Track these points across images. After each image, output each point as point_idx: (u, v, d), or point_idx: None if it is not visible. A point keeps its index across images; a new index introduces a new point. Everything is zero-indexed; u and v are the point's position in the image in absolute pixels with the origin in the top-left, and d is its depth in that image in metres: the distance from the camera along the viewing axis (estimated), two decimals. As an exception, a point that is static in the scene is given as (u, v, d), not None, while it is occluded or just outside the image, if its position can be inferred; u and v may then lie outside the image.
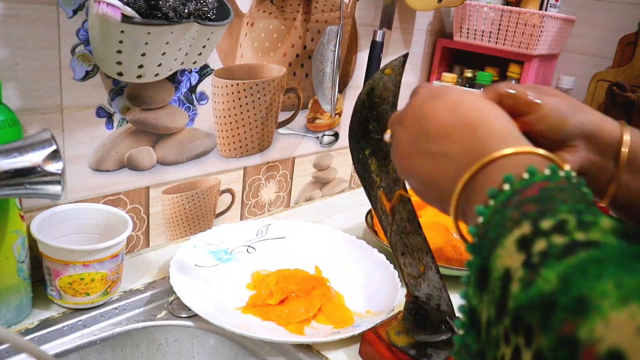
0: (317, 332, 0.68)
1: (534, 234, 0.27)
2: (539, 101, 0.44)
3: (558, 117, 0.44)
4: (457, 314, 0.33)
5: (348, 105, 1.09)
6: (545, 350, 0.24)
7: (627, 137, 0.44)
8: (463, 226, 0.36)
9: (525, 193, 0.30)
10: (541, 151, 0.33)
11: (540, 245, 0.26)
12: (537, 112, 0.44)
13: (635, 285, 0.22)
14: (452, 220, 0.36)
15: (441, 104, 0.39)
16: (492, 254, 0.29)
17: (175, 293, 0.67)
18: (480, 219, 0.31)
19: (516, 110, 0.44)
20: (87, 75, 0.67)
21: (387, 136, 0.45)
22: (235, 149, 0.90)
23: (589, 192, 0.31)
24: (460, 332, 0.31)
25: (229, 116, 0.87)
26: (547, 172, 0.31)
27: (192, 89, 0.80)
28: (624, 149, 0.43)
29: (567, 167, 0.32)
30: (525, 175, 0.31)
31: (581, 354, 0.22)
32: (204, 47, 0.68)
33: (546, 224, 0.27)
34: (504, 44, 1.17)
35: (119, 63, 0.62)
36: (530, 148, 0.33)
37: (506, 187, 0.31)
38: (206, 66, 0.81)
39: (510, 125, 0.37)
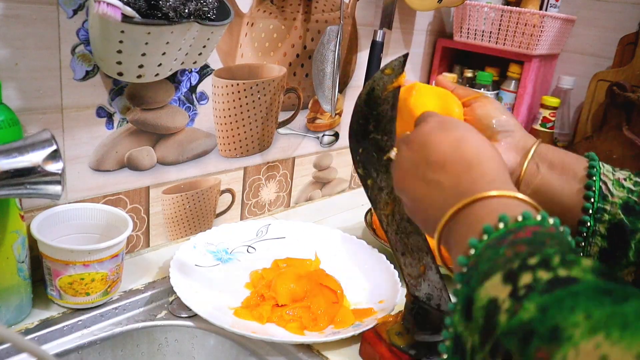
0: (317, 332, 0.67)
1: (521, 268, 0.30)
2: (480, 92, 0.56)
3: (492, 108, 0.56)
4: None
5: (348, 105, 1.09)
6: None
7: (536, 147, 0.54)
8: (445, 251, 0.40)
9: (519, 234, 0.33)
10: (523, 196, 0.37)
11: (526, 279, 0.29)
12: (480, 100, 0.57)
13: (602, 317, 0.25)
14: (436, 246, 0.40)
15: (446, 136, 0.42)
16: (479, 285, 0.31)
17: (175, 293, 0.67)
18: (472, 251, 0.34)
19: (465, 97, 0.57)
20: (87, 75, 0.67)
21: (392, 153, 0.50)
22: (235, 149, 0.90)
23: (572, 240, 0.35)
24: (445, 356, 0.34)
25: (229, 116, 0.87)
26: (538, 217, 0.34)
27: (192, 89, 0.80)
28: (529, 157, 0.54)
29: (545, 215, 0.36)
30: (520, 218, 0.34)
31: None
32: (204, 47, 0.68)
33: (533, 260, 0.30)
34: (504, 44, 1.17)
35: (119, 63, 0.62)
36: (513, 193, 0.37)
37: (501, 225, 0.34)
38: (206, 66, 0.81)
39: (501, 168, 0.41)
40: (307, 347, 0.65)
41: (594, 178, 0.51)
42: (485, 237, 0.34)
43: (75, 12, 0.63)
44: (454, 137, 0.42)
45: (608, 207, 0.50)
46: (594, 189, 0.51)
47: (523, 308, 0.28)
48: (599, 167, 0.52)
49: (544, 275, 0.29)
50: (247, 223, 0.89)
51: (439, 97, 0.58)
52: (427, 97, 0.57)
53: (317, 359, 0.64)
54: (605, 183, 0.51)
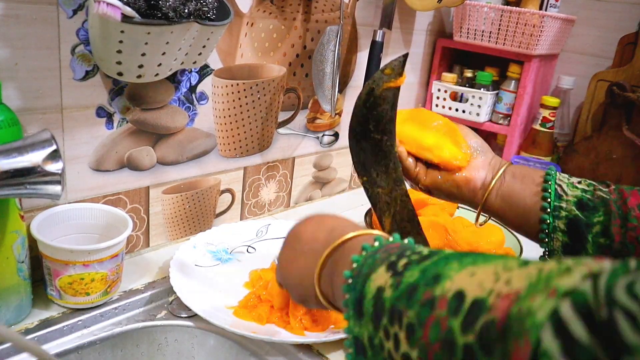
0: (317, 332, 0.67)
1: (398, 257, 0.37)
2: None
3: (466, 132, 0.67)
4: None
5: (348, 105, 1.09)
6: (412, 319, 0.32)
7: (504, 163, 0.64)
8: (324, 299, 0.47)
9: (389, 246, 0.40)
10: (376, 232, 0.45)
11: (403, 261, 0.36)
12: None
13: (470, 260, 0.32)
14: (319, 295, 0.46)
15: (310, 221, 0.52)
16: (366, 282, 0.37)
17: (175, 293, 0.67)
18: (355, 265, 0.40)
19: None
20: (87, 75, 0.67)
21: (275, 261, 0.58)
22: (235, 149, 0.90)
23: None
24: None
25: (229, 116, 0.87)
26: (391, 239, 0.42)
27: (192, 88, 0.80)
28: (500, 171, 0.63)
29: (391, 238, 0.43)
30: (376, 244, 0.42)
31: (436, 304, 0.31)
32: (204, 47, 0.68)
33: (407, 252, 0.38)
34: (504, 44, 1.17)
35: (119, 63, 0.62)
36: (367, 231, 0.45)
37: (364, 253, 0.41)
38: (206, 66, 0.81)
39: (356, 225, 0.49)
40: (307, 347, 0.65)
41: (550, 182, 0.58)
42: (363, 252, 0.41)
43: (75, 12, 0.63)
44: (315, 219, 0.52)
45: (564, 205, 0.57)
46: (549, 190, 0.57)
47: (405, 277, 0.34)
48: (555, 174, 0.59)
49: (416, 256, 0.36)
50: (247, 223, 0.89)
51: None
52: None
53: (317, 359, 0.64)
54: (560, 185, 0.58)
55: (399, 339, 0.32)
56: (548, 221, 0.57)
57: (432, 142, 0.63)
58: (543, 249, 0.59)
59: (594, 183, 0.57)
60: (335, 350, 0.65)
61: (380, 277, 0.36)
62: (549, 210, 0.57)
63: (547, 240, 0.58)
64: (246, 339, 0.66)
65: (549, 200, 0.57)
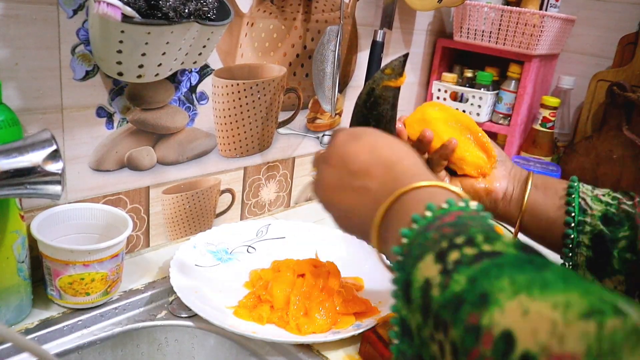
0: (317, 332, 0.67)
1: (449, 248, 0.32)
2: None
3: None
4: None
5: (348, 105, 1.09)
6: (456, 340, 0.28)
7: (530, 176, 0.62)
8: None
9: (444, 219, 0.35)
10: (445, 184, 0.40)
11: (454, 255, 0.32)
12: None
13: (524, 281, 0.28)
14: (374, 245, 0.42)
15: (360, 145, 0.46)
16: (414, 268, 0.34)
17: (175, 293, 0.67)
18: (405, 240, 0.36)
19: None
20: (87, 75, 0.67)
21: (312, 173, 0.53)
22: (235, 148, 0.90)
23: (493, 222, 0.37)
24: (396, 341, 0.35)
25: (229, 116, 0.87)
26: (461, 204, 0.37)
27: (192, 88, 0.80)
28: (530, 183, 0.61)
29: (468, 198, 0.39)
30: (445, 205, 0.37)
31: (482, 338, 0.27)
32: (204, 47, 0.68)
33: (459, 239, 0.33)
34: (504, 44, 1.17)
35: (119, 63, 0.62)
36: (437, 182, 0.40)
37: (428, 213, 0.37)
38: (206, 66, 0.81)
39: (418, 163, 0.44)
40: (307, 347, 0.65)
41: (574, 195, 0.56)
42: (414, 225, 0.37)
43: (75, 12, 0.63)
44: (367, 143, 0.46)
45: (588, 219, 0.55)
46: (573, 204, 0.56)
47: (453, 280, 0.30)
48: (578, 186, 0.57)
49: (470, 251, 0.31)
50: (247, 223, 0.89)
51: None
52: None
53: (317, 359, 0.64)
54: (584, 199, 0.56)
55: (445, 350, 0.30)
56: (572, 236, 0.56)
57: (460, 148, 0.61)
58: (566, 263, 0.57)
59: (618, 196, 0.56)
60: (335, 350, 0.65)
61: (428, 268, 0.33)
62: (573, 224, 0.55)
63: (570, 255, 0.56)
64: (246, 339, 0.66)
65: (573, 214, 0.56)
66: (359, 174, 0.44)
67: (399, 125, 0.61)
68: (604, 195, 0.56)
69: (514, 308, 0.26)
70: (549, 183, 0.60)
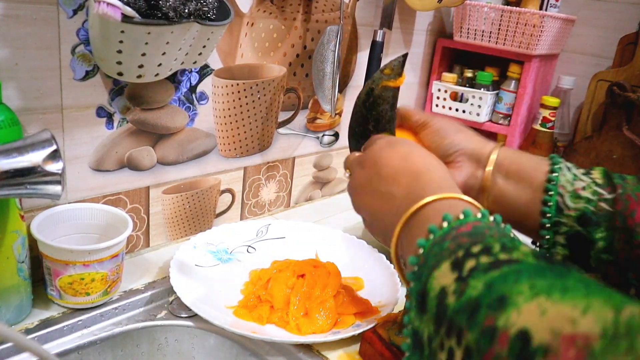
0: (317, 332, 0.67)
1: (465, 256, 0.32)
2: (427, 120, 0.57)
3: (440, 134, 0.56)
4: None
5: (348, 105, 1.09)
6: (471, 344, 0.28)
7: (493, 157, 0.54)
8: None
9: (460, 229, 0.36)
10: (466, 197, 0.40)
11: (470, 264, 0.32)
12: (426, 129, 0.57)
13: (545, 285, 0.27)
14: (392, 252, 0.42)
15: (394, 152, 0.47)
16: (430, 277, 0.34)
17: (175, 293, 0.67)
18: (421, 250, 0.37)
19: (413, 128, 0.58)
20: (87, 75, 0.67)
21: (346, 174, 0.54)
22: (235, 148, 0.90)
23: (514, 235, 0.37)
24: (407, 354, 0.35)
25: (229, 116, 0.87)
26: (479, 215, 0.38)
27: (192, 88, 0.80)
28: (489, 168, 0.54)
29: (486, 210, 0.39)
30: (461, 216, 0.37)
31: (497, 339, 0.26)
32: (204, 47, 0.68)
33: (476, 248, 0.33)
34: (504, 44, 1.17)
35: (119, 63, 0.62)
36: (458, 195, 0.40)
37: (445, 224, 0.37)
38: (206, 66, 0.81)
39: (446, 175, 0.44)
40: (307, 347, 0.65)
41: (551, 192, 0.51)
42: (431, 236, 0.37)
43: (75, 12, 0.63)
44: (402, 151, 0.46)
45: (564, 220, 0.51)
46: (550, 203, 0.51)
47: (470, 286, 0.30)
48: (558, 179, 0.52)
49: (486, 259, 0.31)
50: (247, 223, 0.89)
51: None
52: None
53: (317, 359, 0.64)
54: (562, 195, 0.51)
55: (455, 356, 0.29)
56: (547, 237, 0.52)
57: None
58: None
59: (599, 190, 0.51)
60: (335, 350, 0.65)
61: (444, 276, 0.32)
62: (548, 225, 0.52)
63: (547, 255, 0.53)
64: (246, 339, 0.66)
65: (549, 215, 0.51)
66: (387, 180, 0.45)
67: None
68: (584, 188, 0.52)
69: (532, 309, 0.26)
70: (522, 170, 0.53)
